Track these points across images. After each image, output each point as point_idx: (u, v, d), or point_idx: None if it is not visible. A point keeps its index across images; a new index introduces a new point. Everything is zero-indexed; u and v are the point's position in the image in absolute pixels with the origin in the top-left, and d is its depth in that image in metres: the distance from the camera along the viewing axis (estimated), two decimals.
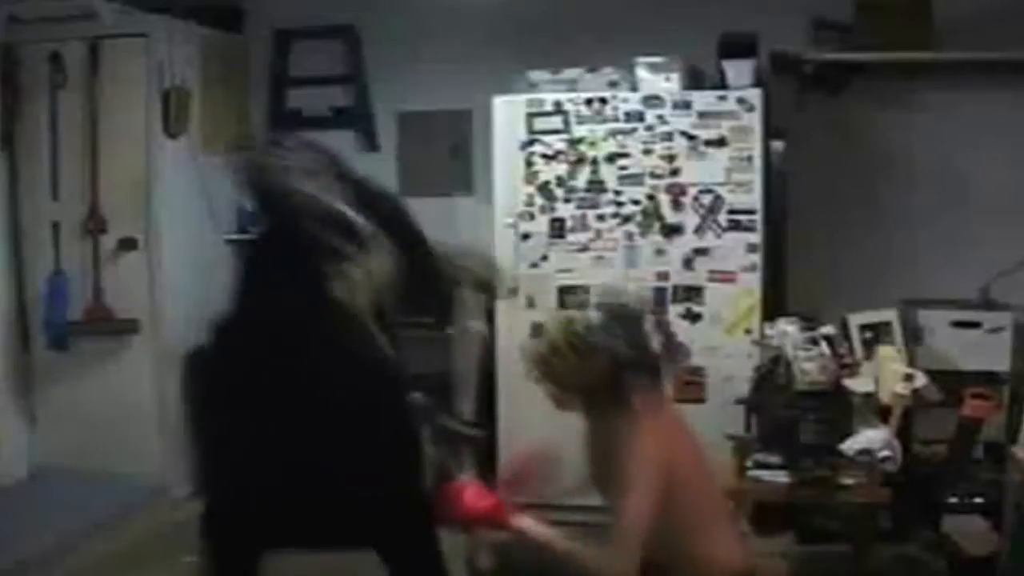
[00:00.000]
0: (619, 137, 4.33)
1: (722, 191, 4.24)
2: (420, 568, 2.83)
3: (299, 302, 2.57)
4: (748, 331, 4.20)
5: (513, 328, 4.24)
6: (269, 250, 2.72)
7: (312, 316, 2.56)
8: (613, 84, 4.38)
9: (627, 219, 4.34)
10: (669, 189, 4.30)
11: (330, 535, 2.73)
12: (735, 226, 4.23)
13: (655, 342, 2.53)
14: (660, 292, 4.30)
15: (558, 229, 4.39)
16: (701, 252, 4.28)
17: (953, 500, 3.79)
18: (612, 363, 2.47)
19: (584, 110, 4.36)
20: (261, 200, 2.79)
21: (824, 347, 3.53)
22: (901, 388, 3.41)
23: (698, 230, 4.28)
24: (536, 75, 4.46)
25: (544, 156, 4.40)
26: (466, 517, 2.51)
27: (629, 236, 4.33)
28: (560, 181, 4.39)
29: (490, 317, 4.47)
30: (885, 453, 3.27)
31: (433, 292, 2.88)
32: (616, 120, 4.34)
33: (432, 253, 2.87)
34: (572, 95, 4.38)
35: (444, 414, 2.82)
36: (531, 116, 4.40)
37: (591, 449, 2.63)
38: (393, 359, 2.66)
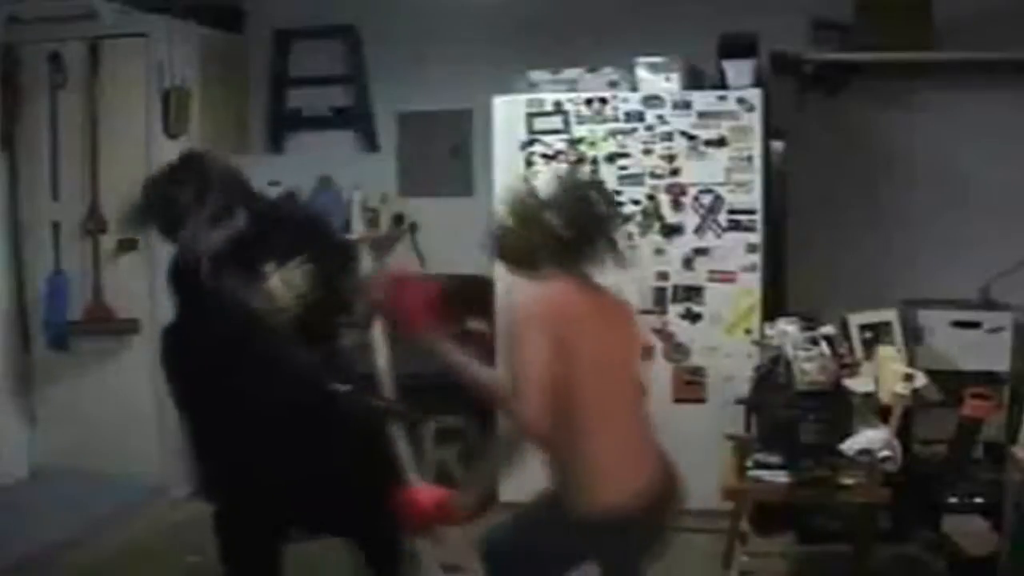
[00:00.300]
0: (619, 137, 4.33)
1: (722, 191, 4.24)
2: (382, 546, 2.98)
3: (219, 317, 2.76)
4: (748, 331, 4.20)
5: None
6: (185, 273, 2.88)
7: (232, 330, 2.76)
8: (613, 84, 4.38)
9: (627, 219, 4.33)
10: (669, 189, 4.30)
11: (304, 522, 2.98)
12: (735, 226, 4.23)
13: (601, 209, 2.48)
14: (660, 292, 4.30)
15: None
16: (701, 252, 4.28)
17: (953, 500, 3.79)
18: (556, 229, 2.42)
19: (584, 110, 4.36)
20: (165, 233, 2.96)
21: (824, 347, 3.53)
22: (901, 388, 3.40)
23: (698, 230, 4.28)
24: (536, 75, 4.46)
25: (544, 156, 4.39)
26: (422, 515, 2.48)
27: (629, 236, 4.32)
28: None
29: (490, 317, 4.50)
30: (885, 453, 3.26)
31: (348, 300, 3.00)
32: (616, 120, 4.33)
33: (347, 266, 3.06)
34: (572, 95, 4.38)
35: (370, 396, 2.89)
36: (531, 116, 4.40)
37: None
38: (307, 363, 2.81)
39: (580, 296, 2.44)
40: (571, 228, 2.43)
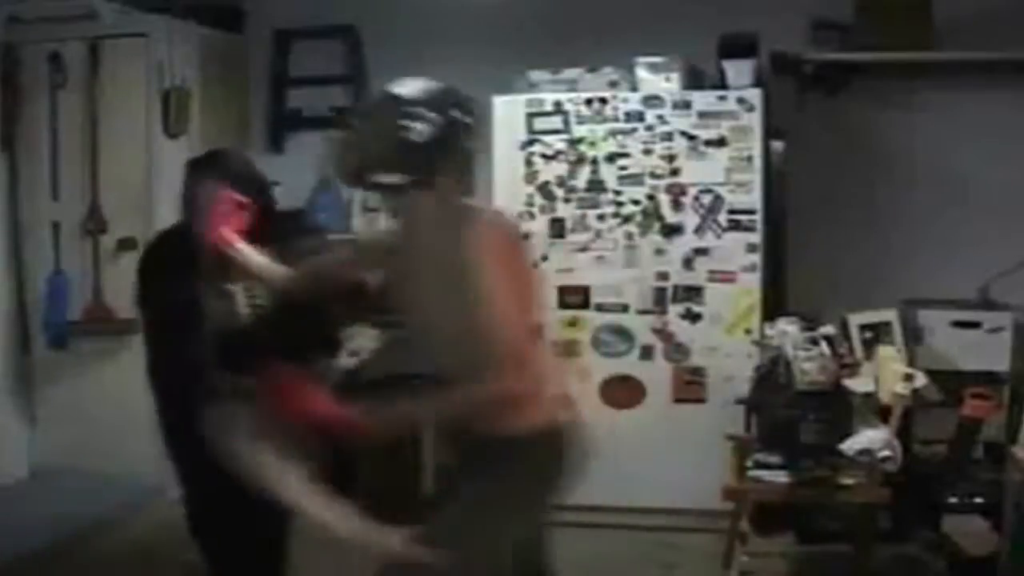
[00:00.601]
0: (619, 137, 4.33)
1: (722, 191, 4.24)
2: None
3: (187, 320, 2.88)
4: (748, 331, 4.20)
5: None
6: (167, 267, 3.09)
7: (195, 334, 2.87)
8: (613, 84, 4.38)
9: (627, 219, 4.34)
10: (669, 189, 4.29)
11: None
12: (735, 226, 4.23)
13: (461, 117, 2.31)
14: (660, 292, 4.30)
15: (558, 229, 4.39)
16: (701, 252, 4.27)
17: (953, 500, 3.79)
18: (411, 132, 2.24)
19: (584, 110, 4.36)
20: None
21: (824, 347, 3.53)
22: (901, 388, 3.41)
23: (698, 230, 4.28)
24: (536, 75, 4.46)
25: (544, 156, 4.39)
26: (313, 406, 2.23)
27: (629, 236, 4.33)
28: (560, 181, 4.39)
29: None
30: (885, 453, 3.27)
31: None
32: (616, 120, 4.33)
33: None
34: (572, 95, 4.38)
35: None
36: (531, 116, 4.40)
37: (401, 257, 2.34)
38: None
39: (500, 225, 2.33)
40: (429, 131, 2.25)
